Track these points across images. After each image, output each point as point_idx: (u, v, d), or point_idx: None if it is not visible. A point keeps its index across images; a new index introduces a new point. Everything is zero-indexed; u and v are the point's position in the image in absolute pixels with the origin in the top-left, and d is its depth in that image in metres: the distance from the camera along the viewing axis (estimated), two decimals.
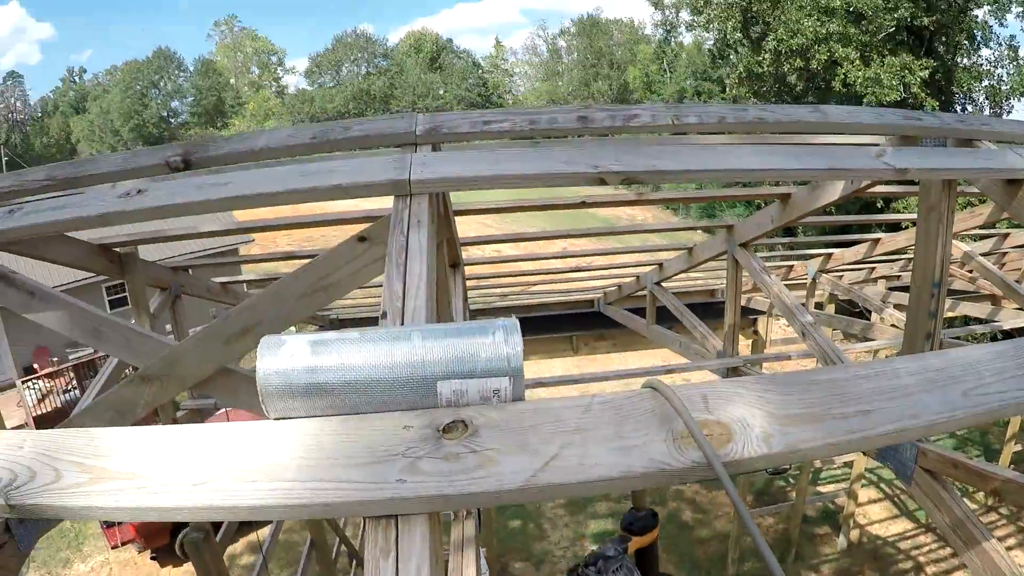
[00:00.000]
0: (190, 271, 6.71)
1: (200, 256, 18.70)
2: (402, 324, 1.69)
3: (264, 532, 6.23)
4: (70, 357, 19.79)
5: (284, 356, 1.42)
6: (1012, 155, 2.92)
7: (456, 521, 4.30)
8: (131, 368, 3.57)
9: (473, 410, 1.40)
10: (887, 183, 4.90)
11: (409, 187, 2.32)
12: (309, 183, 2.42)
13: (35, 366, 19.81)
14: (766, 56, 30.66)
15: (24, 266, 7.05)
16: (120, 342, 3.38)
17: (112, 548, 12.70)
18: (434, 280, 1.99)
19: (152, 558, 12.40)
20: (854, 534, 12.55)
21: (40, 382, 18.74)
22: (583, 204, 5.05)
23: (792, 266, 10.85)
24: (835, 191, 4.11)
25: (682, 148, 3.09)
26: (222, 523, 5.06)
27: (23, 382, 18.59)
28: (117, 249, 4.89)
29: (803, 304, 7.51)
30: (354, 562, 9.57)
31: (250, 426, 1.44)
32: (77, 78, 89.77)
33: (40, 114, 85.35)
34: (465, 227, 5.03)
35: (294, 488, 1.28)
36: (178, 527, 11.07)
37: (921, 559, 12.08)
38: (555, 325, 10.93)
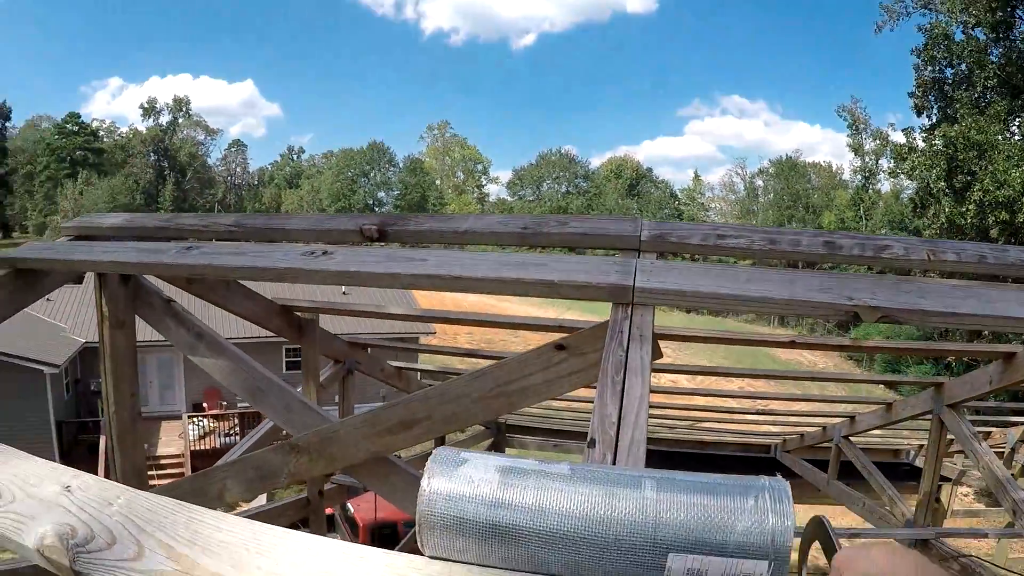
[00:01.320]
0: (368, 350, 6.65)
1: (379, 337, 19.28)
2: (614, 458, 1.29)
3: None
4: (239, 404, 20.72)
5: (462, 479, 1.04)
6: None
7: None
8: (285, 434, 3.40)
9: None
10: None
11: (632, 295, 1.97)
12: (515, 273, 2.12)
13: (204, 404, 20.92)
14: (970, 207, 28.73)
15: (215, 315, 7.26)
16: (279, 406, 3.22)
17: None
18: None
19: None
20: None
21: (205, 420, 19.82)
22: (792, 344, 4.50)
23: (990, 432, 9.61)
24: None
25: (942, 287, 2.62)
26: None
27: (189, 416, 19.70)
28: (298, 313, 4.84)
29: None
30: None
31: (402, 559, 1.07)
32: (296, 156, 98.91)
33: (257, 182, 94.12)
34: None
35: None
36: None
37: None
38: (725, 468, 10.14)
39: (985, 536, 6.60)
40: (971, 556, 5.55)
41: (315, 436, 2.93)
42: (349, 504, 13.90)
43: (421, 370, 7.77)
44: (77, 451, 18.39)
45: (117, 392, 2.98)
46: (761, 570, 0.98)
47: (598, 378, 1.61)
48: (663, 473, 1.06)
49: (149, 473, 16.81)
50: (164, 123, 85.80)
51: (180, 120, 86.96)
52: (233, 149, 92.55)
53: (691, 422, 10.77)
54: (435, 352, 9.58)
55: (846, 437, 7.69)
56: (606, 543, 0.97)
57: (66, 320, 20.60)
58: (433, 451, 1.10)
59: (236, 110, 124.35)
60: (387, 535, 12.54)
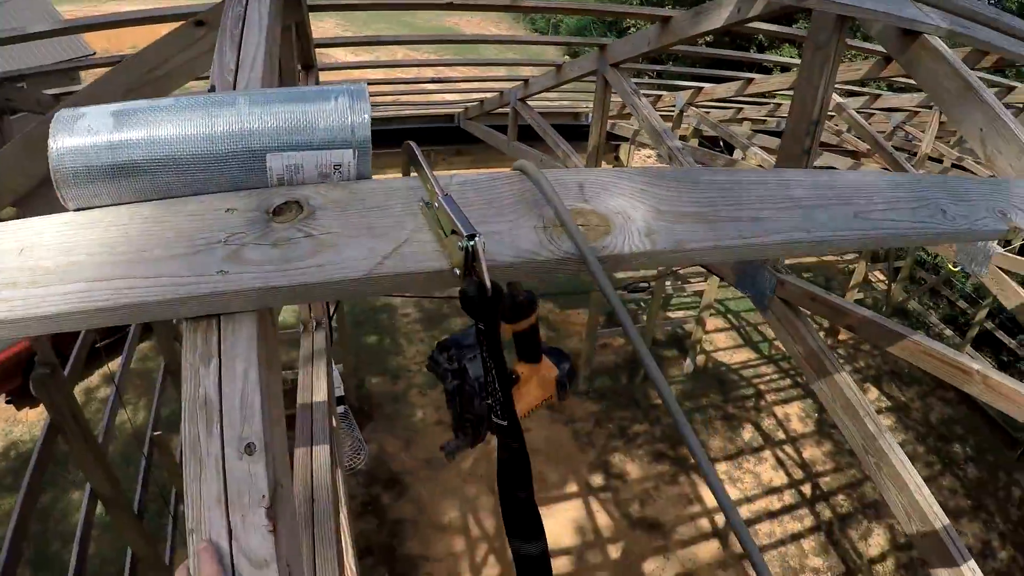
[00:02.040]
0: (23, 84, 5.90)
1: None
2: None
3: (116, 363, 5.94)
4: None
5: (81, 131, 1.13)
6: (912, 8, 2.82)
7: (305, 333, 4.14)
8: None
9: (310, 189, 1.17)
10: (770, 18, 4.73)
11: None
12: None
13: None
14: None
15: None
16: None
17: None
18: (276, 56, 1.69)
19: (7, 402, 11.83)
20: (700, 359, 13.39)
21: None
22: (450, 6, 4.64)
23: (660, 96, 10.77)
24: (719, 18, 3.92)
25: None
26: (69, 356, 4.73)
27: None
28: None
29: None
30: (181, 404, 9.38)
31: (42, 221, 1.17)
32: None
33: None
34: (319, 34, 4.57)
35: (94, 289, 1.03)
36: (30, 366, 10.55)
37: (761, 387, 13.09)
38: (409, 138, 10.51)
39: None
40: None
41: None
42: None
43: (72, 91, 7.01)
44: None
45: None
46: (348, 158, 1.20)
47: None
48: (255, 91, 1.21)
49: None
50: None
51: None
52: None
53: (377, 99, 10.87)
54: (96, 66, 8.53)
55: (522, 100, 8.06)
56: (212, 157, 1.13)
57: None
58: (55, 114, 1.16)
59: None
60: None
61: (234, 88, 1.46)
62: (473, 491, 9.74)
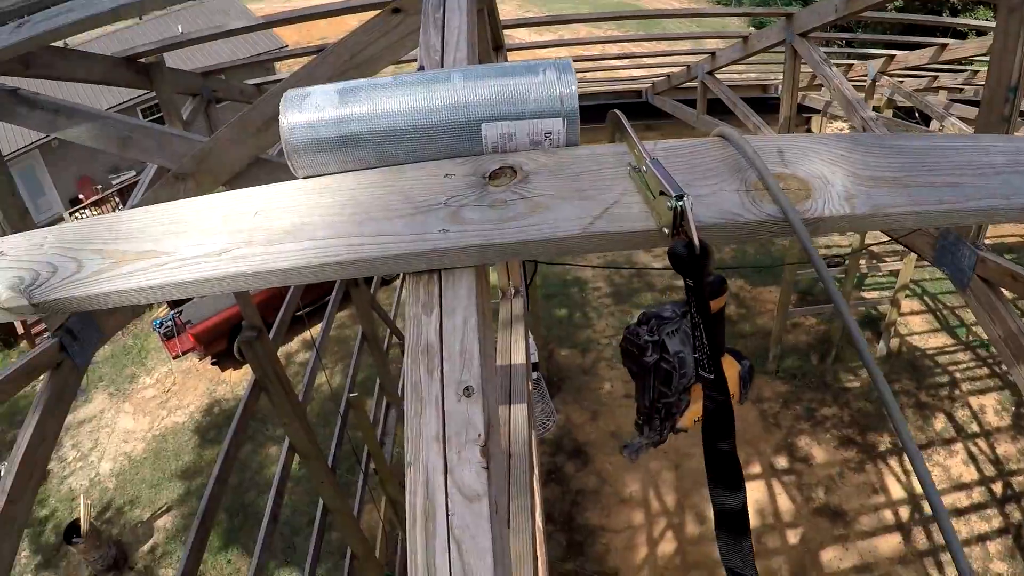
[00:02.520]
0: (223, 75, 6.47)
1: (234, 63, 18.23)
2: None
3: (316, 330, 6.39)
4: (113, 183, 19.96)
5: (309, 108, 1.27)
6: None
7: (503, 301, 4.30)
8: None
9: (522, 155, 1.25)
10: None
11: None
12: None
13: (80, 196, 20.00)
14: None
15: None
16: (151, 146, 3.27)
17: (174, 358, 13.32)
18: (476, 37, 1.78)
19: (213, 363, 12.98)
20: (894, 343, 12.57)
21: (87, 211, 19.01)
22: None
23: (851, 65, 10.20)
24: None
25: None
26: (274, 322, 5.14)
27: (70, 213, 18.87)
28: (142, 60, 4.68)
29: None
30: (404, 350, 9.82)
31: (276, 188, 1.31)
32: None
33: None
34: (503, 15, 4.70)
35: (327, 246, 1.16)
36: (235, 331, 11.53)
37: (957, 375, 12.11)
38: (600, 116, 10.52)
39: None
40: None
41: (192, 160, 3.03)
42: None
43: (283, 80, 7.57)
44: None
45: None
46: (558, 126, 1.26)
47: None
48: (468, 68, 1.30)
49: None
50: None
51: None
52: None
53: None
54: (290, 57, 9.24)
55: (710, 73, 7.92)
56: (431, 128, 1.23)
57: None
58: (283, 94, 1.31)
59: None
60: None
61: (441, 66, 1.56)
62: (656, 466, 9.73)
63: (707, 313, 1.19)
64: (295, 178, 1.32)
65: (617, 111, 1.31)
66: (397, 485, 7.48)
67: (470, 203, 1.16)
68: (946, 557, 8.27)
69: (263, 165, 3.01)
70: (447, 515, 0.96)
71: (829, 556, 8.60)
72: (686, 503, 9.31)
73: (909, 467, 9.69)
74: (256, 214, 1.25)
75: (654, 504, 9.34)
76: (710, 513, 9.14)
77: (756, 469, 9.87)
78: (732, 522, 1.29)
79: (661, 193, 1.13)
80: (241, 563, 9.06)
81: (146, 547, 9.51)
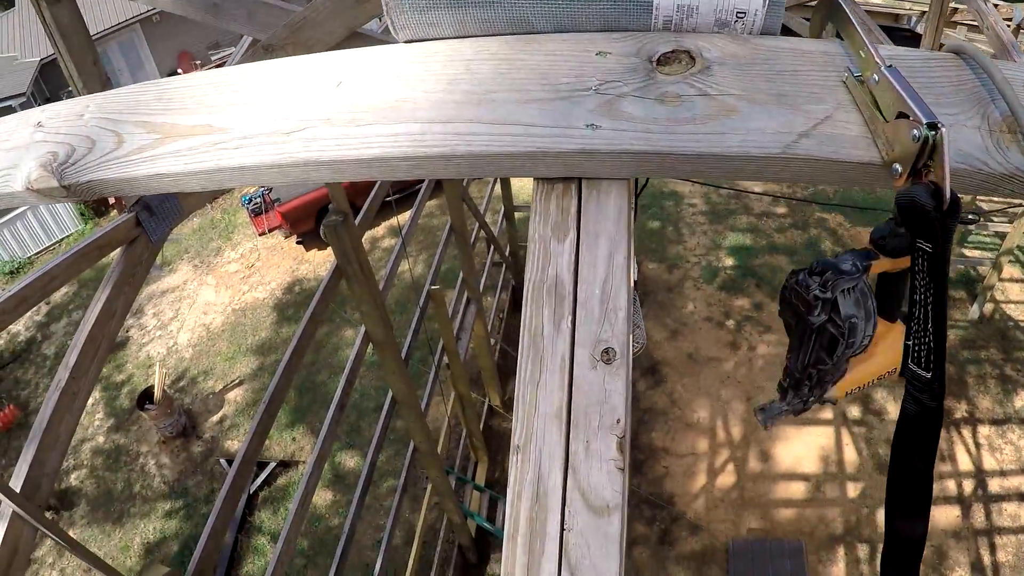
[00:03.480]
0: None
1: None
2: None
3: (404, 216, 6.19)
4: (212, 59, 19.96)
5: None
6: None
7: None
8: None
9: (703, 39, 0.90)
10: None
11: None
12: None
13: (179, 70, 20.16)
14: None
15: None
16: (241, 15, 2.98)
17: (260, 235, 13.42)
18: None
19: (298, 242, 13.04)
20: (988, 307, 11.72)
21: None
22: None
23: (996, 5, 9.19)
24: None
25: None
26: (362, 207, 4.94)
27: None
28: None
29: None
30: (491, 248, 9.70)
31: (367, 52, 1.01)
32: None
33: None
34: None
35: (428, 133, 0.85)
36: (323, 212, 11.50)
37: None
38: None
39: None
40: None
41: (285, 30, 2.76)
42: None
43: None
44: None
45: (81, 71, 2.75)
46: (756, 5, 0.91)
47: None
48: None
49: None
50: None
51: None
52: None
53: None
54: None
55: None
56: None
57: (13, 47, 18.81)
58: None
59: None
60: None
61: None
62: (728, 394, 9.42)
63: (942, 290, 0.86)
64: (395, 41, 1.02)
65: None
66: (467, 382, 7.40)
67: (631, 93, 0.84)
68: (1001, 540, 7.82)
69: (361, 40, 2.71)
70: (561, 530, 0.68)
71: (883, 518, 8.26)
72: (752, 437, 9.00)
73: (981, 440, 9.14)
74: (339, 85, 0.96)
75: (720, 434, 9.07)
76: (774, 451, 8.83)
77: (827, 414, 9.45)
78: (904, 556, 0.99)
79: (900, 116, 0.78)
80: (304, 442, 9.23)
81: (215, 418, 9.76)
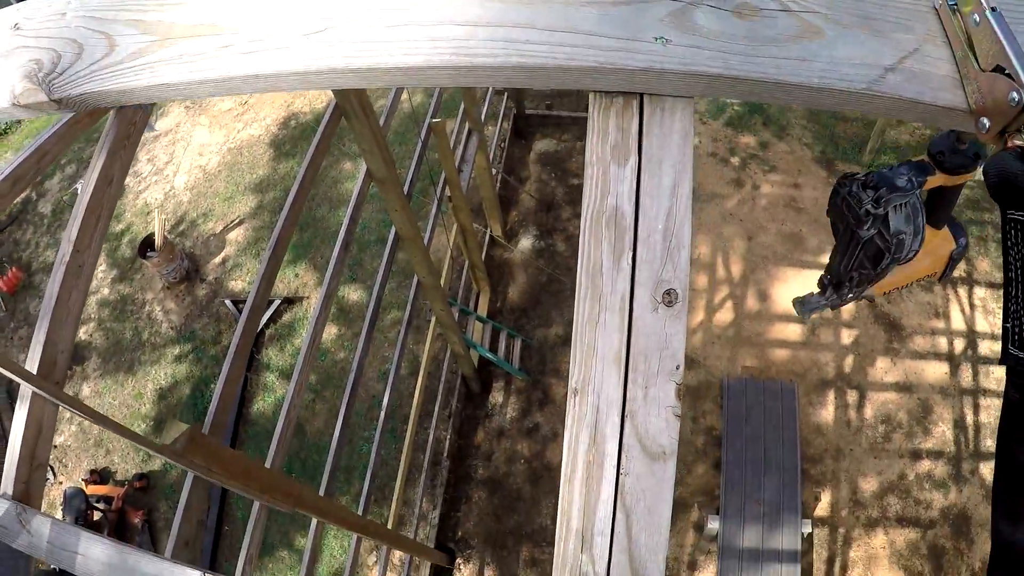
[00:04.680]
0: None
1: None
2: None
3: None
4: None
5: None
6: None
7: None
8: None
9: None
10: None
11: None
12: None
13: None
14: None
15: None
16: None
17: None
18: None
19: None
20: None
21: None
22: None
23: None
24: None
25: None
26: None
27: None
28: None
29: None
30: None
31: None
32: None
33: None
34: None
35: (474, 39, 0.76)
36: None
37: None
38: None
39: None
40: None
41: None
42: None
43: None
44: None
45: None
46: None
47: None
48: None
49: None
50: None
51: None
52: None
53: None
54: None
55: None
56: None
57: None
58: None
59: None
60: None
61: None
62: (730, 232, 9.43)
63: None
64: None
65: None
66: (470, 213, 7.36)
67: (707, 2, 0.75)
68: (984, 401, 8.09)
69: None
70: (617, 473, 0.67)
71: (876, 366, 8.48)
72: (752, 277, 9.08)
73: (976, 301, 9.24)
74: None
75: (720, 270, 9.16)
76: (772, 292, 8.91)
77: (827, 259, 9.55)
78: (1007, 565, 0.92)
79: (997, 68, 0.70)
80: (308, 277, 9.30)
81: (217, 259, 9.76)
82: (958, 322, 8.96)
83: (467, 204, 7.24)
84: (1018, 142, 0.70)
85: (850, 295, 1.33)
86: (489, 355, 7.55)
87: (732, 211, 9.71)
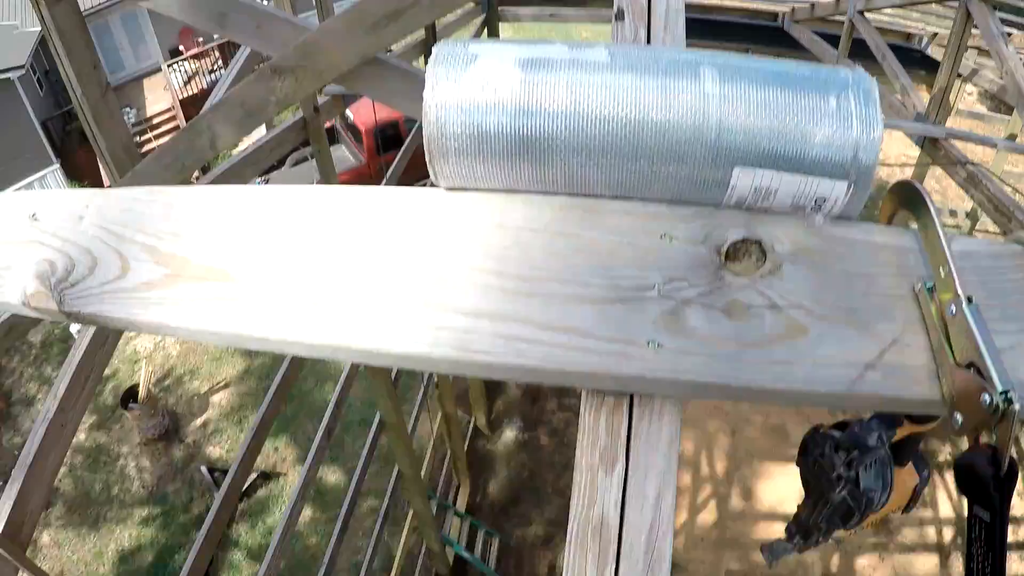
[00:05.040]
0: None
1: None
2: (647, 35, 1.05)
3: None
4: (215, 36, 19.41)
5: (475, 82, 0.81)
6: None
7: None
8: (264, 59, 3.12)
9: (776, 227, 0.81)
10: None
11: None
12: None
13: (180, 48, 19.35)
14: None
15: None
16: (248, 28, 2.84)
17: None
18: None
19: None
20: None
21: (186, 64, 18.40)
22: None
23: (1011, 34, 9.02)
24: None
25: None
26: None
27: (169, 65, 18.39)
28: None
29: None
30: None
31: (408, 195, 0.89)
32: None
33: None
34: None
35: (475, 332, 0.75)
36: None
37: None
38: (728, 33, 9.04)
39: (993, 146, 6.34)
40: (978, 165, 5.42)
41: (296, 52, 2.64)
42: (348, 111, 13.28)
43: None
44: (70, 143, 16.72)
45: (77, 71, 2.62)
46: (839, 193, 0.81)
47: None
48: (724, 56, 0.83)
49: (145, 136, 16.26)
50: None
51: None
52: None
53: None
54: None
55: (861, 12, 7.00)
56: (660, 153, 0.78)
57: (14, 16, 18.08)
58: (433, 48, 0.85)
59: None
60: (390, 136, 12.13)
61: (648, 15, 1.07)
62: (714, 425, 9.27)
63: (1002, 558, 0.77)
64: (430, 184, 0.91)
65: (915, 183, 0.84)
66: (454, 401, 7.30)
67: (696, 299, 0.74)
68: None
69: (375, 68, 2.61)
70: None
71: (863, 563, 8.17)
72: (736, 474, 8.88)
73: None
74: (366, 240, 0.85)
75: (704, 468, 8.95)
76: (757, 489, 8.68)
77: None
78: None
79: (970, 366, 0.69)
80: (287, 452, 9.10)
81: (199, 421, 9.61)
82: (946, 509, 8.69)
83: (452, 392, 7.23)
84: (989, 442, 0.70)
85: (818, 542, 1.33)
86: (466, 555, 7.28)
87: (717, 403, 9.67)
